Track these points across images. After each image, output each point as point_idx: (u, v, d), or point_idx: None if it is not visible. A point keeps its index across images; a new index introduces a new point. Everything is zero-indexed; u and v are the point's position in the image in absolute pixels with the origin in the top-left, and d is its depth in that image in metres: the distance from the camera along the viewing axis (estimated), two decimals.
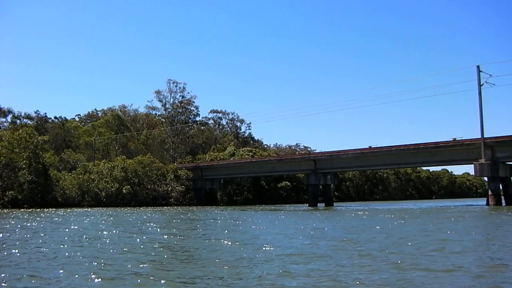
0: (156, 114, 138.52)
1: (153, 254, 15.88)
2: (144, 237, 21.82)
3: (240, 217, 42.39)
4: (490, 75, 63.19)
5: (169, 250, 16.94)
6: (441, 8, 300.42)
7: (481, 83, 63.01)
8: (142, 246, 18.09)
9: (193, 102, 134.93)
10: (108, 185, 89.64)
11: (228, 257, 14.87)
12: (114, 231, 25.60)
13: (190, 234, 23.77)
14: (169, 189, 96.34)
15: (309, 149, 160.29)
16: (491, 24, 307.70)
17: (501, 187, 63.65)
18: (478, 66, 63.46)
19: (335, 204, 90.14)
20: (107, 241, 20.29)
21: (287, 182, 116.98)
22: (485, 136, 62.52)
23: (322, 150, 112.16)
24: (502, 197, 63.98)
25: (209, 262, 14.01)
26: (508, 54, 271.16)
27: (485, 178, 71.04)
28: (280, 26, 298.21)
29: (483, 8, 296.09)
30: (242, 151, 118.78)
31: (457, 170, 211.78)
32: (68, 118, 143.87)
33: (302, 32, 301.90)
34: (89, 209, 70.07)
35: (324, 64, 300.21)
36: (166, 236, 22.57)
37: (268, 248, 16.84)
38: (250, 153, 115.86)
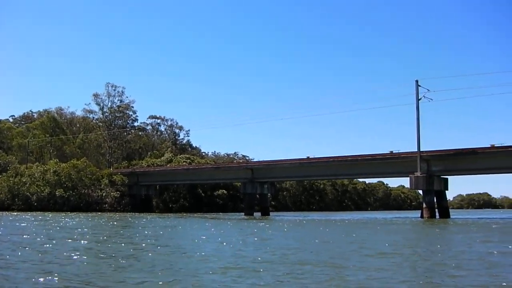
0: (93, 117, 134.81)
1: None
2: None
3: (174, 225, 40.97)
4: (428, 90, 64.06)
5: (93, 258, 15.43)
6: (387, 20, 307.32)
7: (419, 98, 63.75)
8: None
9: (132, 106, 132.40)
10: (39, 189, 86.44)
11: (161, 267, 13.81)
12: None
13: (118, 242, 22.22)
14: (104, 194, 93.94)
15: (247, 158, 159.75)
16: (430, 39, 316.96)
17: (435, 200, 64.38)
18: (416, 81, 64.25)
19: (271, 213, 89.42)
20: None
21: (224, 191, 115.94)
22: (421, 150, 63.17)
23: (261, 159, 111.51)
24: (436, 210, 64.73)
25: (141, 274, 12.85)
26: (446, 70, 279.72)
27: (420, 191, 71.80)
28: (220, 31, 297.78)
29: (424, 25, 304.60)
30: (180, 158, 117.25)
31: (393, 182, 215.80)
32: (2, 119, 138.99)
33: (242, 38, 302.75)
34: (18, 214, 67.00)
35: (265, 72, 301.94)
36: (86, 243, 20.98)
37: (199, 259, 15.63)
38: (188, 160, 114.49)
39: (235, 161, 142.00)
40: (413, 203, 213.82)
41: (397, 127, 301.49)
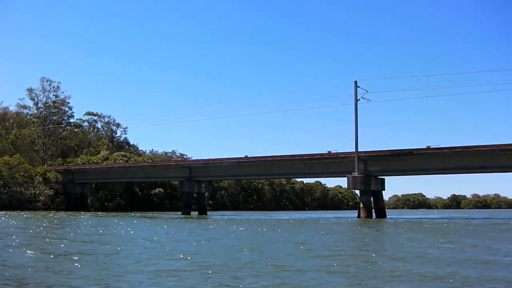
0: (27, 113, 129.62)
1: None
2: None
3: (108, 224, 39.40)
4: (366, 90, 64.35)
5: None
6: (328, 19, 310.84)
7: (358, 98, 64.01)
8: None
9: (68, 102, 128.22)
10: None
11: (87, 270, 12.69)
12: None
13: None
14: (37, 192, 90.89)
15: (185, 156, 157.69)
16: (369, 40, 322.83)
17: (372, 200, 64.81)
18: (355, 82, 64.44)
19: (208, 213, 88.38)
20: None
21: (161, 189, 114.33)
22: (359, 150, 63.46)
23: (199, 158, 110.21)
24: (373, 210, 65.12)
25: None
26: (384, 71, 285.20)
27: (357, 191, 72.20)
28: (159, 28, 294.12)
29: (365, 25, 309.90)
30: (116, 155, 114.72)
31: (330, 182, 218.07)
32: None
33: (180, 36, 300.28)
34: None
35: (203, 71, 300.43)
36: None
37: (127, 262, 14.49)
38: (125, 158, 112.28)
39: (172, 160, 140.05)
40: (349, 203, 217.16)
41: (336, 127, 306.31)
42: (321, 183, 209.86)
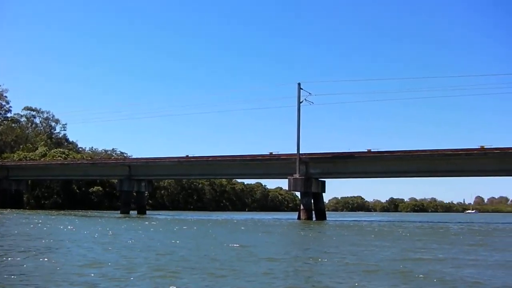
0: None
1: None
2: None
3: (41, 222, 37.99)
4: (310, 93, 64.63)
5: None
6: (272, 20, 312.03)
7: (301, 100, 64.16)
8: None
9: (5, 96, 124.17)
10: None
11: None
12: None
13: None
14: None
15: (125, 155, 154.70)
16: (312, 44, 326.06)
17: (312, 202, 65.06)
18: (299, 84, 64.62)
19: (148, 212, 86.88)
20: None
21: (100, 187, 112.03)
22: (301, 152, 63.60)
23: (139, 157, 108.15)
24: (313, 212, 65.38)
25: None
26: (326, 74, 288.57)
27: (298, 193, 72.36)
28: (95, 27, 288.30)
29: (309, 27, 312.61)
30: (54, 152, 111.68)
31: (271, 184, 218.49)
32: None
33: (118, 36, 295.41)
34: None
35: (144, 70, 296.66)
36: None
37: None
38: (63, 155, 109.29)
39: (112, 158, 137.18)
40: (289, 205, 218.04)
41: (278, 129, 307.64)
42: (261, 184, 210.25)
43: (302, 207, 64.11)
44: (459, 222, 64.84)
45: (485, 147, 58.36)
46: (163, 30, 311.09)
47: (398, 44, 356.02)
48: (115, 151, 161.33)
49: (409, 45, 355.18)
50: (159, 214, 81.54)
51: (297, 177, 62.95)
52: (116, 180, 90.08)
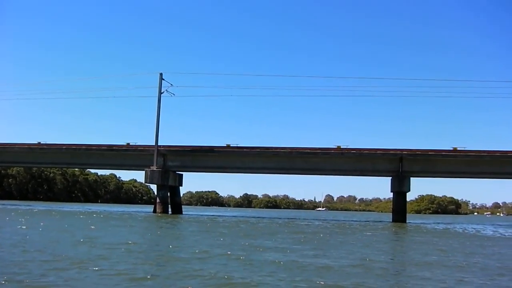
0: None
1: None
2: None
3: None
4: (171, 84, 63.65)
5: None
6: (137, 6, 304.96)
7: (162, 91, 62.99)
8: None
9: None
10: None
11: None
12: None
13: None
14: None
15: None
16: (172, 35, 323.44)
17: (169, 195, 64.19)
18: (161, 74, 63.35)
19: None
20: None
21: None
22: (159, 144, 62.44)
23: None
24: (169, 205, 64.48)
25: None
26: (188, 66, 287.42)
27: (154, 186, 71.02)
28: None
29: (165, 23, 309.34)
30: None
31: (125, 175, 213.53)
32: None
33: None
34: None
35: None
36: None
37: None
38: None
39: None
40: (144, 197, 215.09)
41: (137, 119, 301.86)
42: (115, 175, 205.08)
43: (158, 200, 62.95)
44: (306, 219, 66.94)
45: (341, 147, 61.06)
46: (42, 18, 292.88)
47: (258, 46, 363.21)
48: None
49: (264, 50, 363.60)
50: (6, 204, 76.42)
51: (155, 169, 61.68)
52: None
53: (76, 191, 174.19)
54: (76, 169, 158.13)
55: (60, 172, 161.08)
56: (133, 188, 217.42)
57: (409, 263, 16.26)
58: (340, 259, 16.37)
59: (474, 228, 50.57)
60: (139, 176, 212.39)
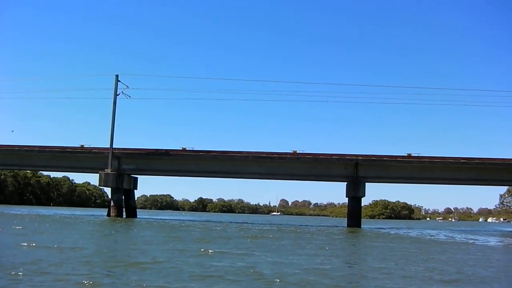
0: None
1: None
2: None
3: None
4: (127, 86, 62.85)
5: None
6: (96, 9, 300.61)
7: (118, 93, 62.18)
8: None
9: None
10: None
11: None
12: None
13: None
14: None
15: None
16: (128, 36, 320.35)
17: (123, 199, 63.31)
18: (117, 75, 62.54)
19: None
20: None
21: None
22: (114, 147, 61.57)
23: None
24: (124, 208, 63.58)
25: None
26: (144, 69, 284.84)
27: (108, 189, 69.90)
28: None
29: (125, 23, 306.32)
30: None
31: (78, 178, 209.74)
32: None
33: None
34: None
35: None
36: None
37: None
38: None
39: None
40: (97, 201, 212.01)
41: (92, 121, 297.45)
42: (68, 178, 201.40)
43: (112, 203, 62.01)
44: (260, 223, 66.82)
45: (297, 151, 61.40)
46: None
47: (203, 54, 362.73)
48: None
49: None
50: None
51: (109, 172, 60.78)
52: None
53: (27, 194, 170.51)
54: (28, 171, 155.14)
55: (12, 174, 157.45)
56: (87, 191, 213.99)
57: (368, 269, 16.28)
58: (295, 264, 16.30)
59: (429, 234, 51.36)
60: (93, 179, 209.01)
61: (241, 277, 12.92)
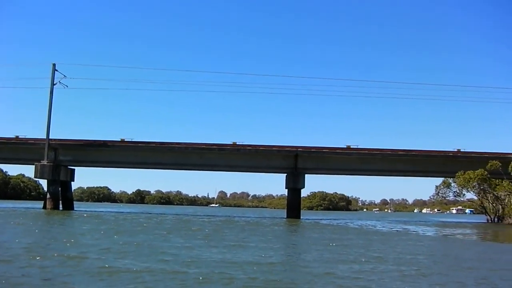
0: None
1: None
2: None
3: None
4: (65, 76, 61.50)
5: None
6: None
7: (55, 83, 60.77)
8: None
9: None
10: None
11: None
12: None
13: None
14: None
15: None
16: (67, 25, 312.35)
17: (60, 191, 61.98)
18: (54, 64, 61.14)
19: None
20: None
21: None
22: (50, 138, 60.11)
23: None
24: (60, 201, 62.27)
25: None
26: (82, 57, 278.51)
27: (44, 181, 68.25)
28: None
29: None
30: None
31: (12, 170, 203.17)
32: None
33: None
34: None
35: None
36: None
37: None
38: None
39: None
40: (32, 193, 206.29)
41: (27, 111, 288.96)
42: (2, 170, 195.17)
43: (48, 195, 60.70)
44: (198, 215, 66.63)
45: (237, 143, 61.56)
46: None
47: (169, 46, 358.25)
48: None
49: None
50: None
51: (45, 163, 59.39)
52: None
53: None
54: None
55: None
56: (21, 183, 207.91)
57: (312, 259, 16.43)
58: (236, 256, 16.46)
59: (368, 224, 52.45)
60: (28, 170, 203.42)
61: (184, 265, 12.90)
